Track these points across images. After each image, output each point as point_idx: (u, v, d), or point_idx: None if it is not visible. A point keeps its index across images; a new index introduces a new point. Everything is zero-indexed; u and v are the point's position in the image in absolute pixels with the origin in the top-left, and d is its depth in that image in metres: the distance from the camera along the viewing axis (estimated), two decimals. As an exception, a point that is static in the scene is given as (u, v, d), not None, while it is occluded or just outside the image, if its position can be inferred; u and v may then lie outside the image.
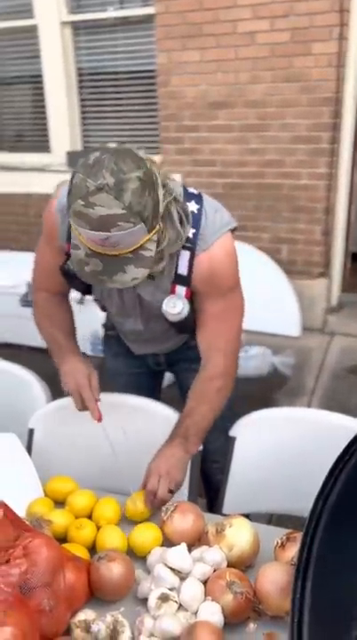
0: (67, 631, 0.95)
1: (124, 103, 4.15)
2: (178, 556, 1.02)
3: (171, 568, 1.01)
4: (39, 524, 1.10)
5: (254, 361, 3.19)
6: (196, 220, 1.25)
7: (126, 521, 1.21)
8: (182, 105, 3.73)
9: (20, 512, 1.11)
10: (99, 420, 1.32)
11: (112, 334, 1.67)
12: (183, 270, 1.28)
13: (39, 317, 1.51)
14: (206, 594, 0.99)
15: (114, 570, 1.01)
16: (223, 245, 1.28)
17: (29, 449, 1.51)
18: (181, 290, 1.31)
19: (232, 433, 1.48)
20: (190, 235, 1.24)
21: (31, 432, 1.54)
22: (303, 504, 0.95)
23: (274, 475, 1.47)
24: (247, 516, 1.13)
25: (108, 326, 1.67)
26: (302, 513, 0.94)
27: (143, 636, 0.93)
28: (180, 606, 0.97)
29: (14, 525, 0.98)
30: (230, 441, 1.48)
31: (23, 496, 1.22)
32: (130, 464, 1.30)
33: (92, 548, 1.13)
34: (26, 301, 3.38)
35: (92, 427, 1.32)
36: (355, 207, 3.88)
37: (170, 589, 0.98)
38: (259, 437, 1.49)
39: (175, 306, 1.31)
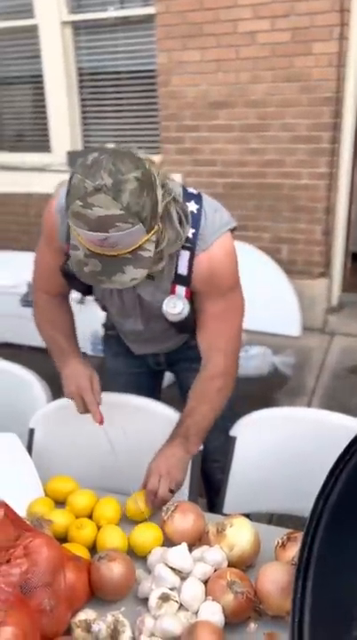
0: (68, 631, 0.95)
1: (125, 103, 4.15)
2: (179, 555, 1.02)
3: (172, 568, 1.01)
4: (40, 523, 1.10)
5: (254, 361, 3.20)
6: (196, 220, 1.25)
7: (126, 521, 1.21)
8: (182, 105, 3.73)
9: (21, 512, 1.11)
10: (101, 423, 1.32)
11: (112, 334, 1.67)
12: (183, 270, 1.28)
13: (40, 320, 1.51)
14: (207, 594, 0.99)
15: (114, 570, 1.01)
16: (222, 245, 1.28)
17: (30, 449, 1.51)
18: (181, 290, 1.31)
19: (232, 433, 1.48)
20: (190, 235, 1.24)
21: (31, 432, 1.54)
22: (303, 504, 0.95)
23: (275, 474, 1.47)
24: (247, 515, 1.13)
25: (108, 326, 1.67)
26: (302, 513, 0.94)
27: (144, 635, 0.93)
28: (181, 606, 0.97)
29: (15, 525, 0.98)
30: (230, 441, 1.48)
31: (24, 496, 1.22)
32: (130, 464, 1.30)
33: (93, 548, 1.13)
34: (26, 301, 3.38)
35: (93, 426, 1.32)
36: (356, 207, 3.89)
37: (171, 589, 0.98)
38: (260, 437, 1.49)
39: (175, 306, 1.31)
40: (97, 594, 1.02)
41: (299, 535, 1.03)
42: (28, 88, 4.47)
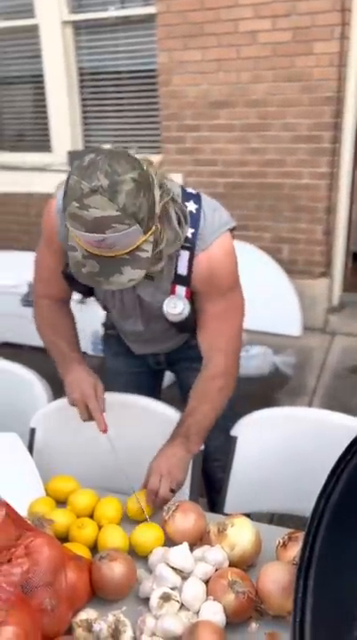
0: (69, 630, 0.95)
1: (125, 103, 4.15)
2: (180, 555, 1.02)
3: (173, 567, 1.01)
4: (41, 523, 1.10)
5: (255, 360, 3.19)
6: (195, 220, 1.25)
7: (128, 520, 1.21)
8: (183, 104, 3.73)
9: (22, 511, 1.11)
10: (105, 431, 1.31)
11: (112, 333, 1.66)
12: (182, 270, 1.28)
13: (42, 326, 1.50)
14: (208, 593, 0.99)
15: (115, 569, 1.01)
16: (222, 245, 1.28)
17: (31, 448, 1.51)
18: (181, 290, 1.31)
19: (233, 432, 1.48)
20: (189, 235, 1.24)
21: (32, 431, 1.54)
22: (304, 504, 0.95)
23: (276, 474, 1.47)
24: (248, 515, 1.13)
25: (108, 325, 1.67)
26: (303, 513, 0.94)
27: (145, 635, 0.93)
28: (182, 606, 0.97)
29: (16, 525, 0.98)
30: (231, 440, 1.48)
31: (25, 495, 1.22)
32: (131, 463, 1.30)
33: (94, 548, 1.13)
34: (27, 301, 3.38)
35: (93, 426, 1.32)
36: (356, 207, 3.88)
37: (172, 589, 0.98)
38: (261, 437, 1.49)
39: (176, 306, 1.31)
40: (98, 593, 1.02)
41: (300, 535, 1.03)
42: (29, 88, 4.47)
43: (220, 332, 1.35)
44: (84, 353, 1.46)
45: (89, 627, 0.94)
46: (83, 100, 4.27)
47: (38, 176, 4.23)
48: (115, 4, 3.95)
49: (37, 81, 4.32)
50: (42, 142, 4.44)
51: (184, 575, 1.01)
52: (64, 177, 1.11)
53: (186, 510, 1.13)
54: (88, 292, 1.43)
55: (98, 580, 1.01)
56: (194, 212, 1.25)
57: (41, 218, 1.38)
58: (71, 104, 4.22)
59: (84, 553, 1.09)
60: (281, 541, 1.05)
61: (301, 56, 3.35)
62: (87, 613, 0.97)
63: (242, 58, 3.49)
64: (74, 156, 4.14)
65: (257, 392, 2.61)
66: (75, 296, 1.51)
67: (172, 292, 1.31)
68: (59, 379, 1.42)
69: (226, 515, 1.18)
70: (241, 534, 1.06)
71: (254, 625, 0.97)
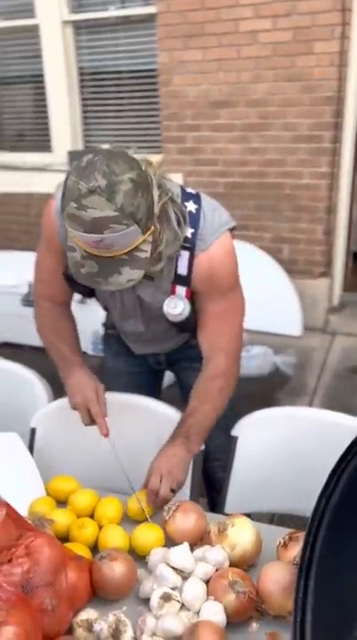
0: (70, 630, 0.95)
1: (126, 102, 4.15)
2: (181, 555, 1.02)
3: (174, 567, 1.01)
4: (41, 523, 1.10)
5: (256, 360, 3.20)
6: (195, 220, 1.25)
7: (128, 520, 1.21)
8: (184, 104, 3.73)
9: (22, 511, 1.11)
10: (107, 435, 1.31)
11: (112, 333, 1.66)
12: (183, 270, 1.28)
13: (43, 327, 1.50)
14: (208, 593, 0.99)
15: (116, 569, 1.01)
16: (222, 245, 1.28)
17: (31, 448, 1.51)
18: (181, 290, 1.31)
19: (234, 432, 1.48)
20: (189, 235, 1.24)
21: (33, 431, 1.54)
22: (305, 504, 0.95)
23: (276, 474, 1.47)
24: (249, 515, 1.13)
25: (108, 325, 1.67)
26: (304, 513, 0.94)
27: (145, 635, 0.93)
28: (183, 606, 0.97)
29: (16, 525, 0.98)
30: (232, 440, 1.48)
31: (25, 495, 1.22)
32: (131, 463, 1.30)
33: (94, 548, 1.13)
34: (27, 301, 3.38)
35: (94, 429, 1.32)
36: (357, 206, 3.89)
37: (173, 589, 0.98)
38: (261, 437, 1.49)
39: (176, 306, 1.31)
40: (98, 593, 1.02)
41: (301, 535, 1.03)
42: (29, 88, 4.47)
43: (221, 332, 1.35)
44: (84, 353, 1.46)
45: (89, 627, 0.94)
46: (84, 99, 4.27)
47: (38, 176, 4.23)
48: (116, 3, 3.95)
49: (37, 81, 4.31)
50: (42, 142, 4.44)
51: (184, 575, 1.01)
52: (64, 177, 1.11)
53: (187, 510, 1.13)
54: (89, 292, 1.43)
55: (98, 580, 1.01)
56: (194, 212, 1.25)
57: (41, 218, 1.38)
58: (71, 104, 4.22)
59: (85, 553, 1.09)
60: (282, 541, 1.05)
61: (301, 56, 3.35)
62: (87, 613, 0.97)
63: (243, 58, 3.49)
64: (74, 156, 4.14)
65: (257, 392, 2.61)
66: (76, 296, 1.51)
67: (172, 292, 1.31)
68: (59, 378, 1.42)
69: (227, 515, 1.18)
70: (242, 534, 1.06)
71: (255, 625, 0.97)
